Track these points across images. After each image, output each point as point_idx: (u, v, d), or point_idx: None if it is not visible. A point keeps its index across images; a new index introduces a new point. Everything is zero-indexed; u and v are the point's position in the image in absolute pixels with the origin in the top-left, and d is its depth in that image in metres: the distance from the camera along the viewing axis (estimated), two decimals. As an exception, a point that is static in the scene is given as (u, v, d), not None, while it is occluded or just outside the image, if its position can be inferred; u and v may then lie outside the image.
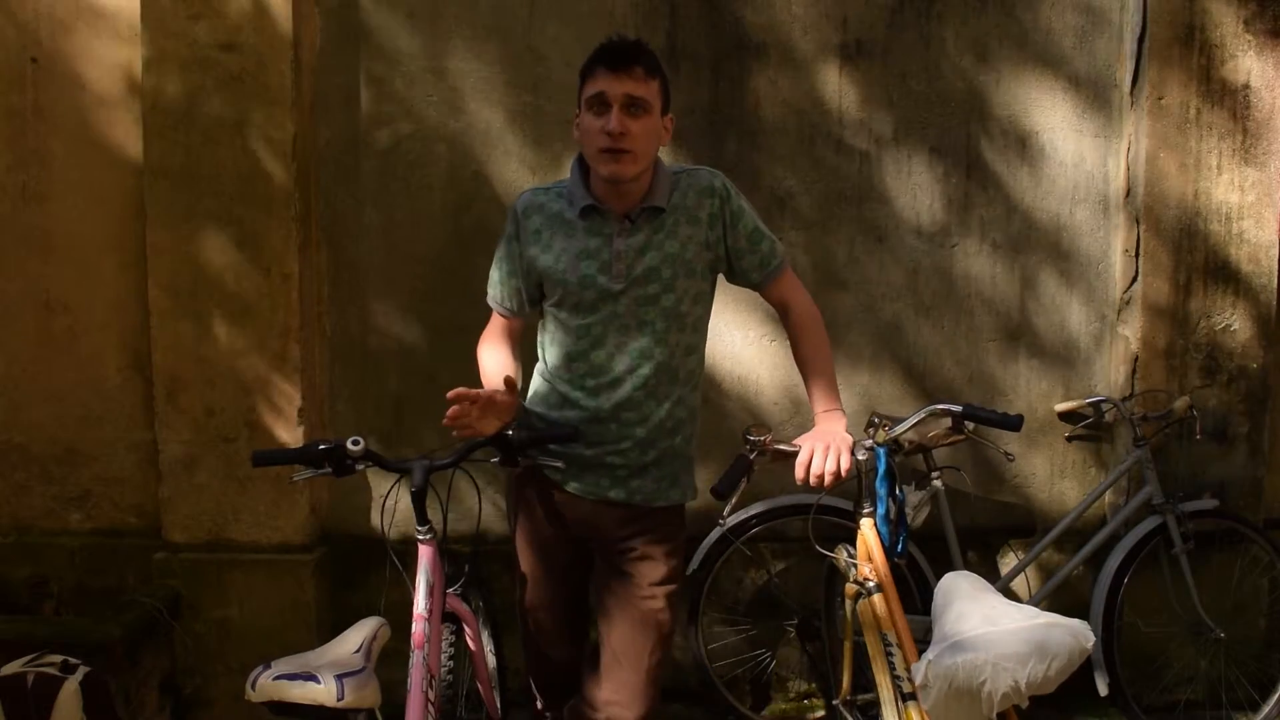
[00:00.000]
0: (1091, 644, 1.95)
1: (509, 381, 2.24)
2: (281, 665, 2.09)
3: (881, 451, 2.55)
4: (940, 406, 2.70)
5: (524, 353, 2.54)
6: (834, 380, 2.42)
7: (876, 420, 2.74)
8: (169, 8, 3.32)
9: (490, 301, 2.50)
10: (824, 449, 2.27)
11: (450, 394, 2.17)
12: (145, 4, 3.33)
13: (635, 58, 2.23)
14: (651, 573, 2.37)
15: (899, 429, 2.69)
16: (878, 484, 2.54)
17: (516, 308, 2.46)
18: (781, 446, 2.40)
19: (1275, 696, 3.52)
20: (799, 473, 2.28)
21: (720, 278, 2.46)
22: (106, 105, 3.49)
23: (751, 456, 2.42)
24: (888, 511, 2.66)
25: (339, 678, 2.06)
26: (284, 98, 3.35)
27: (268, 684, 2.05)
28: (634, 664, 2.34)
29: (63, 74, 3.48)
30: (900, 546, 3.02)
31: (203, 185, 3.37)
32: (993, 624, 2.03)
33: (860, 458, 2.41)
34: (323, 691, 2.03)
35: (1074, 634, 1.96)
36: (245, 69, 3.34)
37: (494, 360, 2.44)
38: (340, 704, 2.03)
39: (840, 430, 2.33)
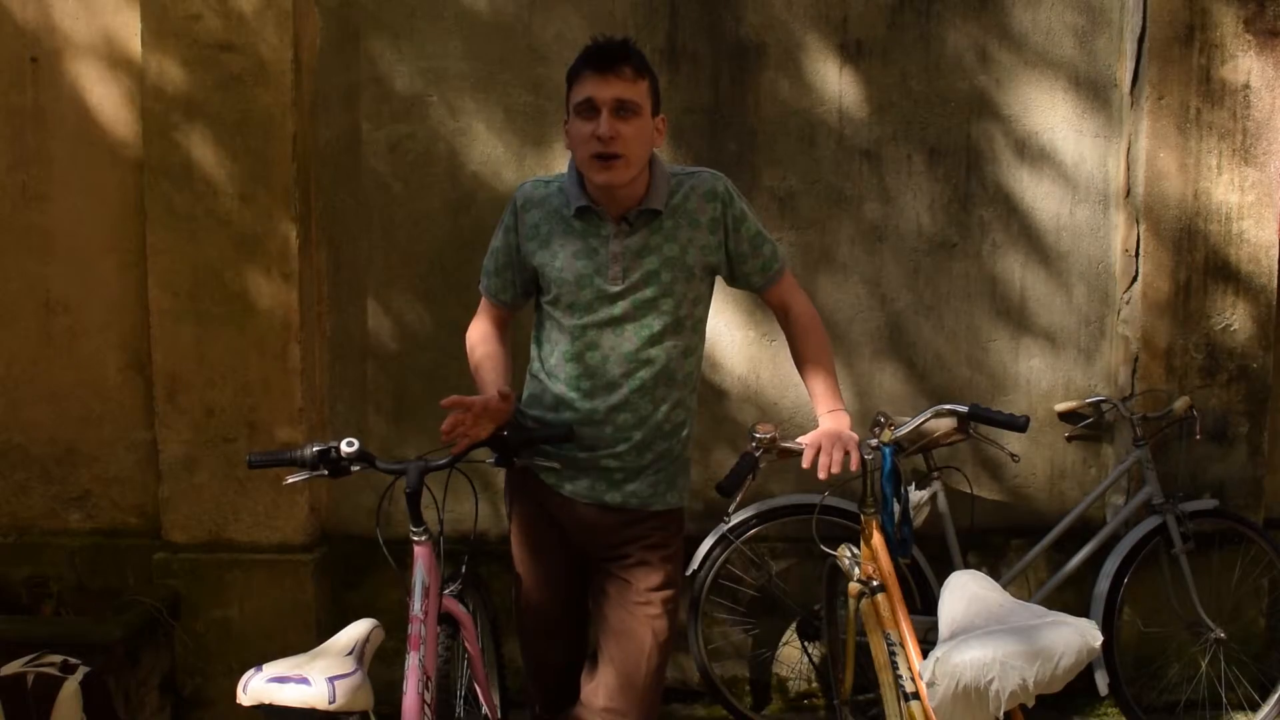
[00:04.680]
0: (1099, 643, 1.94)
1: (504, 395, 2.23)
2: (273, 668, 2.07)
3: (888, 451, 2.55)
4: (946, 407, 2.70)
5: (514, 345, 2.53)
6: (836, 380, 2.41)
7: (882, 420, 2.74)
8: (169, 7, 3.32)
9: (482, 290, 2.48)
10: (830, 444, 2.25)
11: (445, 402, 2.16)
12: (145, 4, 3.33)
13: (622, 58, 2.19)
14: (648, 579, 2.34)
15: (905, 429, 2.69)
16: (883, 483, 2.53)
17: (510, 299, 2.45)
18: (787, 444, 2.40)
19: (1275, 696, 3.52)
20: (806, 456, 2.25)
21: (718, 280, 2.45)
22: (106, 105, 3.49)
23: (757, 454, 2.42)
24: (893, 511, 2.66)
25: (330, 680, 2.04)
26: (284, 98, 3.35)
27: (259, 687, 2.04)
28: (630, 673, 2.32)
29: (63, 74, 3.48)
30: (906, 546, 3.02)
31: (203, 185, 3.37)
32: (1001, 622, 2.03)
33: (866, 457, 2.40)
34: (314, 694, 2.01)
35: (1082, 633, 1.95)
36: (245, 69, 3.34)
37: (487, 360, 2.42)
38: (332, 707, 2.01)
39: (846, 428, 2.31)
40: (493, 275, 2.44)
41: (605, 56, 2.19)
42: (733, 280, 2.43)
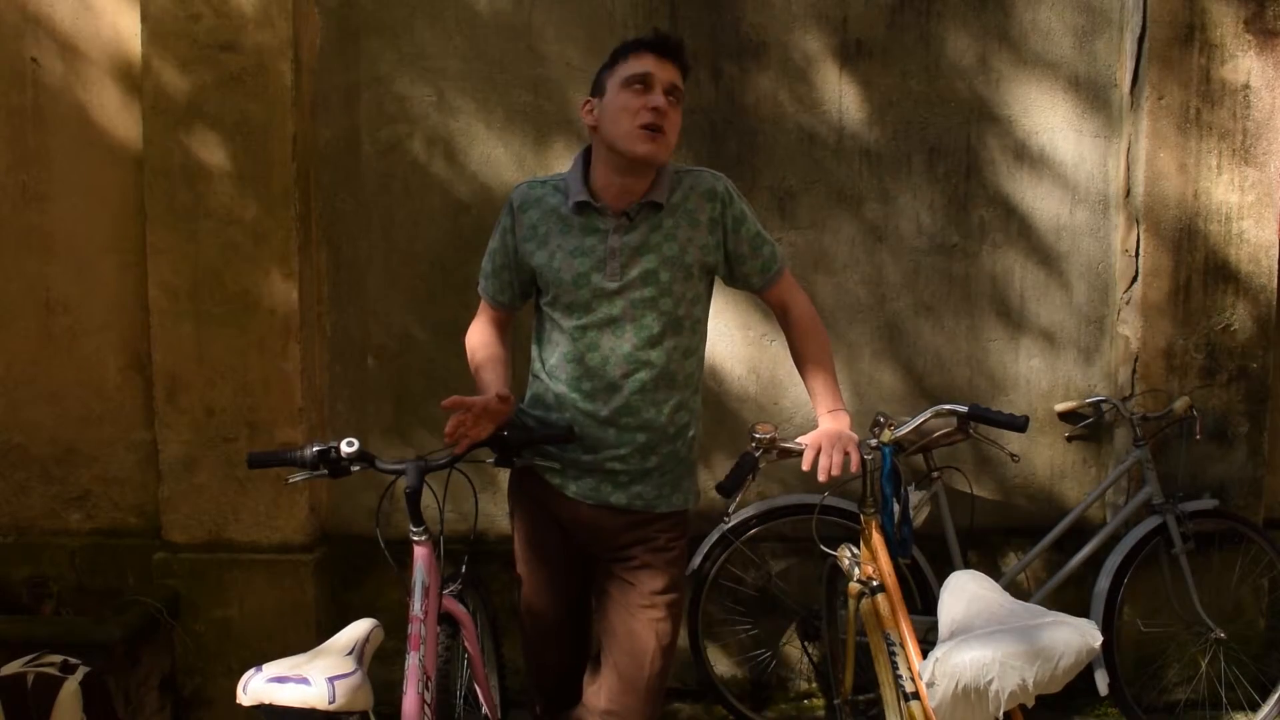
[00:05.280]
0: (1099, 643, 1.94)
1: (504, 397, 2.23)
2: (272, 668, 2.07)
3: (887, 451, 2.55)
4: (946, 407, 2.71)
5: (514, 344, 2.53)
6: (836, 380, 2.41)
7: (882, 420, 2.75)
8: (169, 8, 3.32)
9: (481, 292, 2.48)
10: (830, 445, 2.25)
11: (445, 403, 2.16)
12: (145, 4, 3.33)
13: (678, 51, 2.27)
14: (652, 582, 2.34)
15: (904, 429, 2.69)
16: (883, 483, 2.53)
17: (508, 300, 2.45)
18: (787, 445, 2.40)
19: (1275, 696, 3.52)
20: (806, 458, 2.25)
21: (718, 281, 2.45)
22: (106, 105, 3.49)
23: (757, 454, 2.42)
24: (893, 511, 2.66)
25: (330, 680, 2.04)
26: (284, 98, 3.35)
27: (259, 687, 2.04)
28: (633, 675, 2.32)
29: (63, 74, 3.48)
30: (906, 546, 3.02)
31: (203, 185, 3.37)
32: (1000, 623, 2.02)
33: (866, 457, 2.40)
34: (314, 694, 2.01)
35: (1081, 633, 1.95)
36: (245, 69, 3.34)
37: (488, 362, 2.42)
38: (331, 707, 2.01)
39: (846, 429, 2.31)
40: (490, 277, 2.44)
41: (667, 43, 2.26)
42: (731, 280, 2.43)
